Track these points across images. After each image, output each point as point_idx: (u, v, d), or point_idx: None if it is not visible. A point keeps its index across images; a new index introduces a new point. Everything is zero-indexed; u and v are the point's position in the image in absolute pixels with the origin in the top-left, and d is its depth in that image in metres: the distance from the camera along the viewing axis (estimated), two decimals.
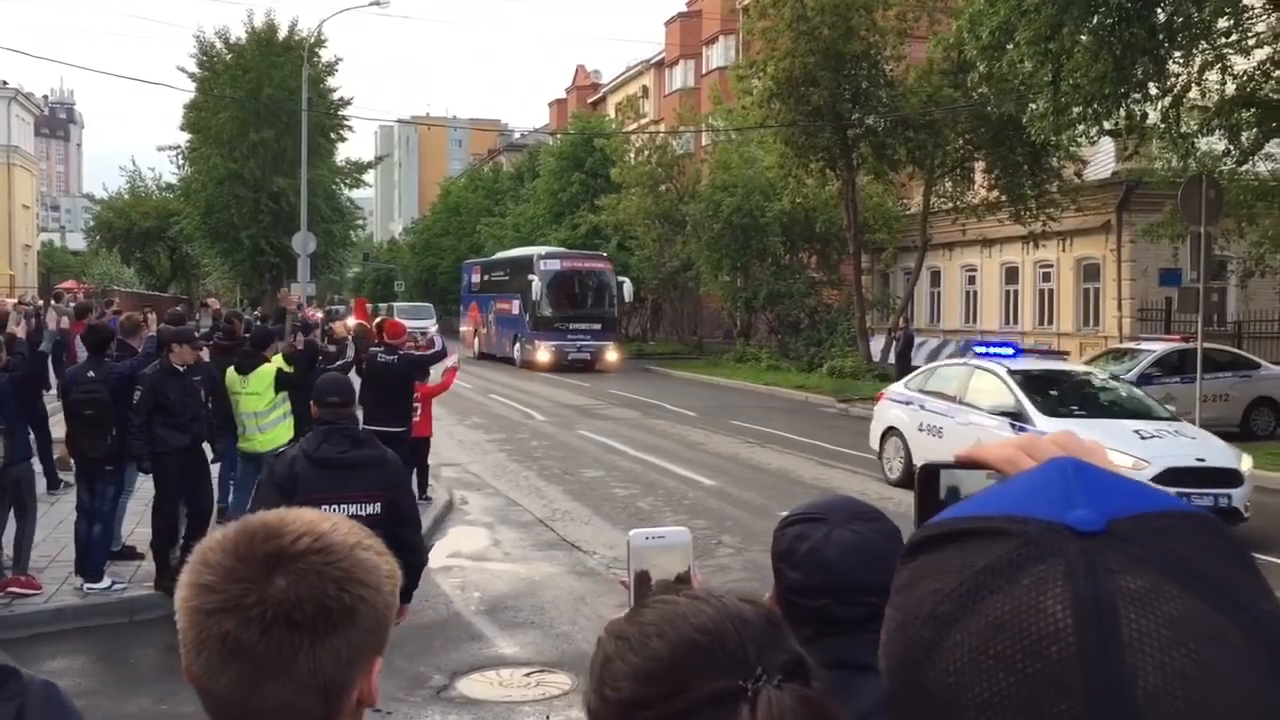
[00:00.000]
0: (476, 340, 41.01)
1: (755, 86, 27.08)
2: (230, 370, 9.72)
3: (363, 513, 5.01)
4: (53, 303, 22.62)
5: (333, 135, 47.06)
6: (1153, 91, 17.32)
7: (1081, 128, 18.15)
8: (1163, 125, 17.74)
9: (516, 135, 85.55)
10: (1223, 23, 16.45)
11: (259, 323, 19.99)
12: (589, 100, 67.03)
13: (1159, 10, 16.16)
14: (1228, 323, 25.32)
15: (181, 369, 8.72)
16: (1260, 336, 24.86)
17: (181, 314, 14.28)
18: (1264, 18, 16.74)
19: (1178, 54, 16.87)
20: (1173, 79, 17.23)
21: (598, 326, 34.04)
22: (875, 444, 14.99)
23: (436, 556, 10.58)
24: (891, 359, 25.68)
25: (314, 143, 39.41)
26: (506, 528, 11.79)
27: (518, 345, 35.44)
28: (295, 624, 1.12)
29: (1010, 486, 0.76)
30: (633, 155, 40.70)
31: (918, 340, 28.57)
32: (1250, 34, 16.92)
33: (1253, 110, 16.54)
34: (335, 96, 46.30)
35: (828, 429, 19.87)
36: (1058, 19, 15.49)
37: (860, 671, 1.59)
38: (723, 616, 1.09)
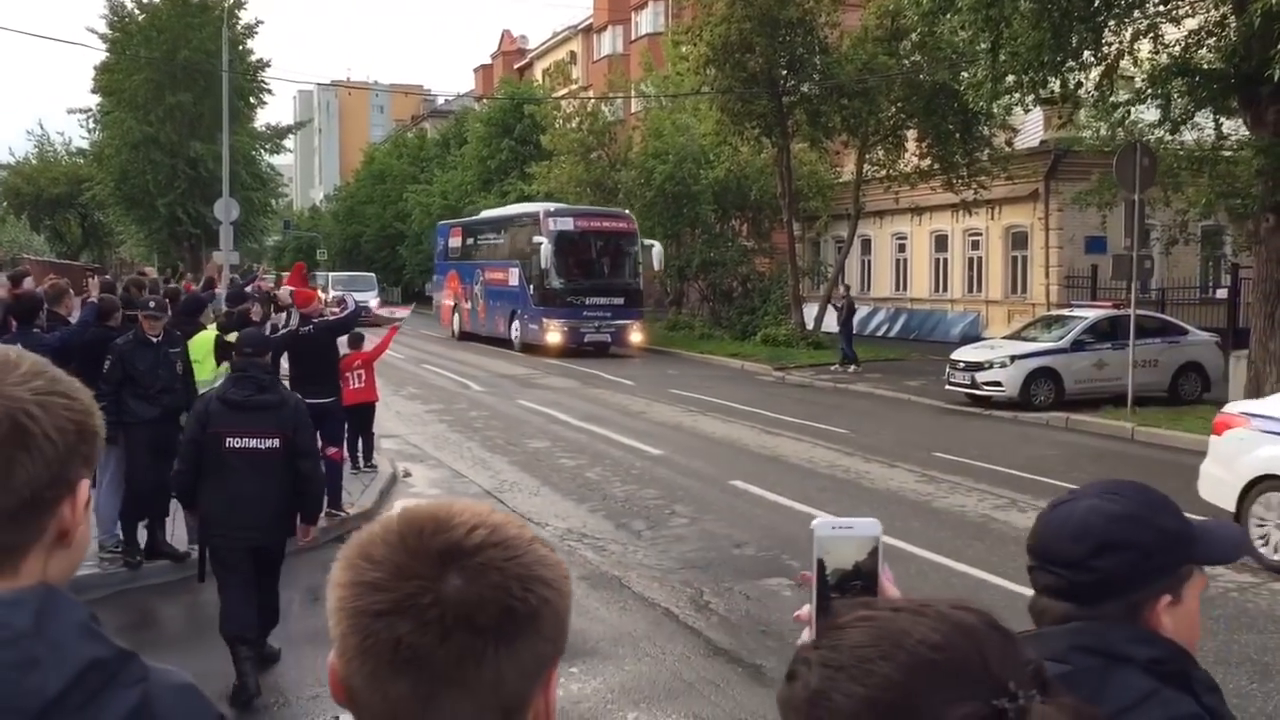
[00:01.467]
0: (457, 318, 34.93)
1: (691, 52, 26.86)
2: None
3: (262, 446, 6.18)
4: None
5: (252, 99, 45.80)
6: (1088, 60, 17.45)
7: (1018, 96, 18.27)
8: (1095, 94, 17.90)
9: (441, 101, 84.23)
10: None
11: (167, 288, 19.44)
12: (516, 66, 66.19)
13: None
14: (1151, 289, 25.88)
15: (156, 339, 8.50)
16: (1182, 303, 25.44)
17: (241, 287, 13.30)
18: None
19: (1113, 23, 17.01)
20: (1107, 48, 17.37)
21: (619, 300, 28.29)
22: (1229, 500, 9.45)
23: None
24: (834, 327, 25.66)
25: (233, 107, 38.24)
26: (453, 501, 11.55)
27: (516, 324, 29.67)
28: (478, 628, 0.98)
29: None
30: (562, 122, 40.26)
31: None
32: (1184, 3, 17.11)
33: (1184, 79, 16.75)
34: (254, 59, 45.06)
35: (767, 397, 19.88)
36: None
37: (1117, 663, 1.50)
38: (951, 629, 0.97)
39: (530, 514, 10.72)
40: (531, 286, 28.70)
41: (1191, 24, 17.48)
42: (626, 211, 30.49)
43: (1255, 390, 16.21)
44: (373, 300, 36.54)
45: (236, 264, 35.98)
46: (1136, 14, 16.93)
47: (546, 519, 10.52)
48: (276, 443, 6.19)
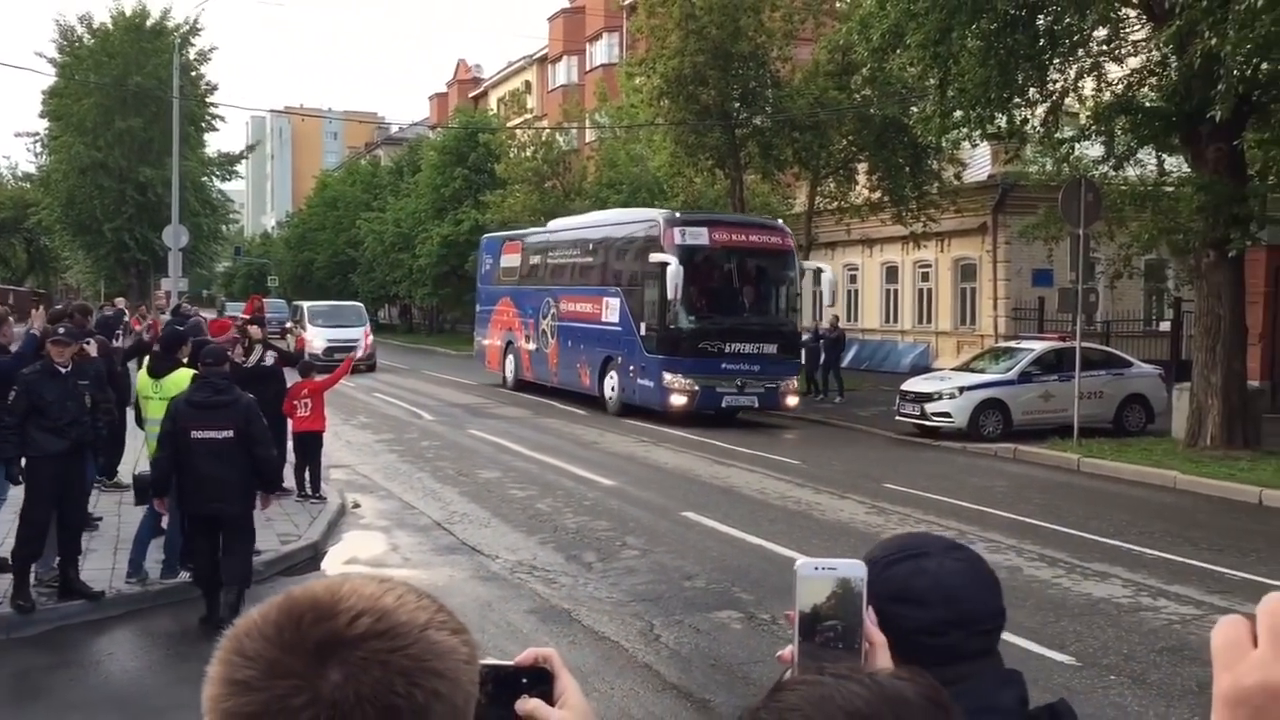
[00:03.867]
0: (511, 361, 26.95)
1: (645, 84, 27.05)
2: (142, 374, 9.15)
3: (219, 435, 7.73)
4: None
5: (203, 125, 45.48)
6: (1033, 97, 17.79)
7: (965, 131, 18.57)
8: (1041, 130, 18.24)
9: (395, 129, 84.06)
10: (1101, 31, 17.00)
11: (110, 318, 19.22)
12: (470, 95, 66.26)
13: (1042, 17, 16.61)
14: (1096, 322, 26.31)
15: (64, 369, 8.19)
16: (1126, 335, 25.87)
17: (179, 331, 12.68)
18: (1138, 28, 17.35)
19: (1057, 60, 17.36)
20: (1052, 85, 17.73)
21: (772, 347, 20.61)
22: None
23: (333, 564, 10.25)
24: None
25: (184, 133, 37.96)
26: (403, 531, 11.45)
27: (614, 376, 21.96)
28: None
29: None
30: (516, 151, 40.31)
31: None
32: (1126, 42, 17.51)
33: (1127, 117, 17.13)
34: (206, 84, 44.76)
35: (720, 429, 19.91)
36: (947, 23, 15.78)
37: (995, 715, 1.48)
38: (878, 699, 0.96)
39: (480, 546, 10.65)
40: (643, 325, 20.88)
41: (1134, 63, 17.89)
42: (779, 221, 23.01)
43: (1197, 423, 16.52)
44: (362, 340, 31.87)
45: (185, 290, 35.60)
46: (1081, 53, 17.30)
47: (497, 551, 10.45)
48: (231, 433, 7.74)
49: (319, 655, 0.90)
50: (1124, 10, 16.89)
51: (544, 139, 39.19)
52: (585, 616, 8.31)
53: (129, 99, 40.60)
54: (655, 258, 20.23)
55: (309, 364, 13.62)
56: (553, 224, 27.70)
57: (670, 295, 19.73)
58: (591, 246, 23.86)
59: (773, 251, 21.20)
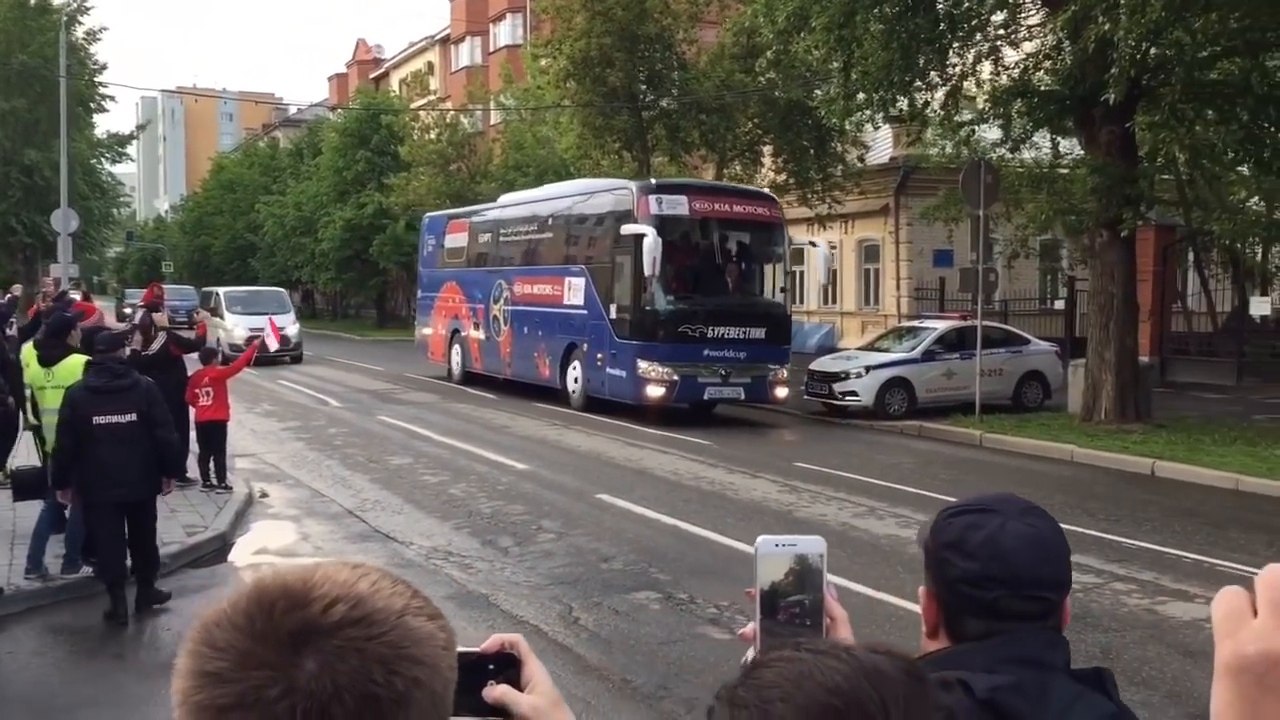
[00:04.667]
0: (458, 352, 24.53)
1: (551, 66, 26.89)
2: (32, 364, 8.80)
3: (123, 420, 7.67)
4: None
5: (92, 105, 43.91)
6: (934, 80, 18.12)
7: (869, 113, 18.84)
8: (941, 113, 18.60)
9: (293, 110, 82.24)
10: (998, 16, 17.38)
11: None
12: (371, 75, 65.11)
13: (941, 2, 16.91)
14: (995, 301, 26.99)
15: None
16: (1023, 314, 26.60)
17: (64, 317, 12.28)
18: (1034, 13, 17.78)
19: (956, 44, 17.71)
20: (951, 69, 18.09)
21: (759, 331, 18.44)
22: None
23: (242, 554, 10.05)
24: None
25: (72, 114, 36.61)
26: (314, 520, 11.27)
27: (577, 367, 19.84)
28: None
29: None
30: (420, 133, 39.78)
31: None
32: (1022, 27, 17.93)
33: (1023, 100, 17.56)
34: (94, 64, 43.21)
35: (630, 410, 19.95)
36: (851, 7, 15.97)
37: (1048, 670, 1.52)
38: (856, 673, 0.96)
39: (394, 532, 10.54)
40: (613, 308, 18.65)
41: (1030, 48, 18.33)
42: (767, 190, 21.61)
43: (1092, 397, 17.07)
44: (290, 326, 30.35)
45: (75, 276, 34.42)
46: (979, 37, 17.66)
47: (411, 538, 10.35)
48: (134, 416, 7.74)
49: (293, 644, 0.87)
50: None
51: (448, 121, 38.75)
52: (503, 601, 8.29)
53: (13, 79, 38.99)
54: (628, 230, 17.91)
55: (210, 351, 13.29)
56: (504, 198, 25.61)
57: (647, 271, 17.21)
58: (550, 221, 21.50)
59: (760, 223, 19.15)
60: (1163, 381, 21.32)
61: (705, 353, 18.04)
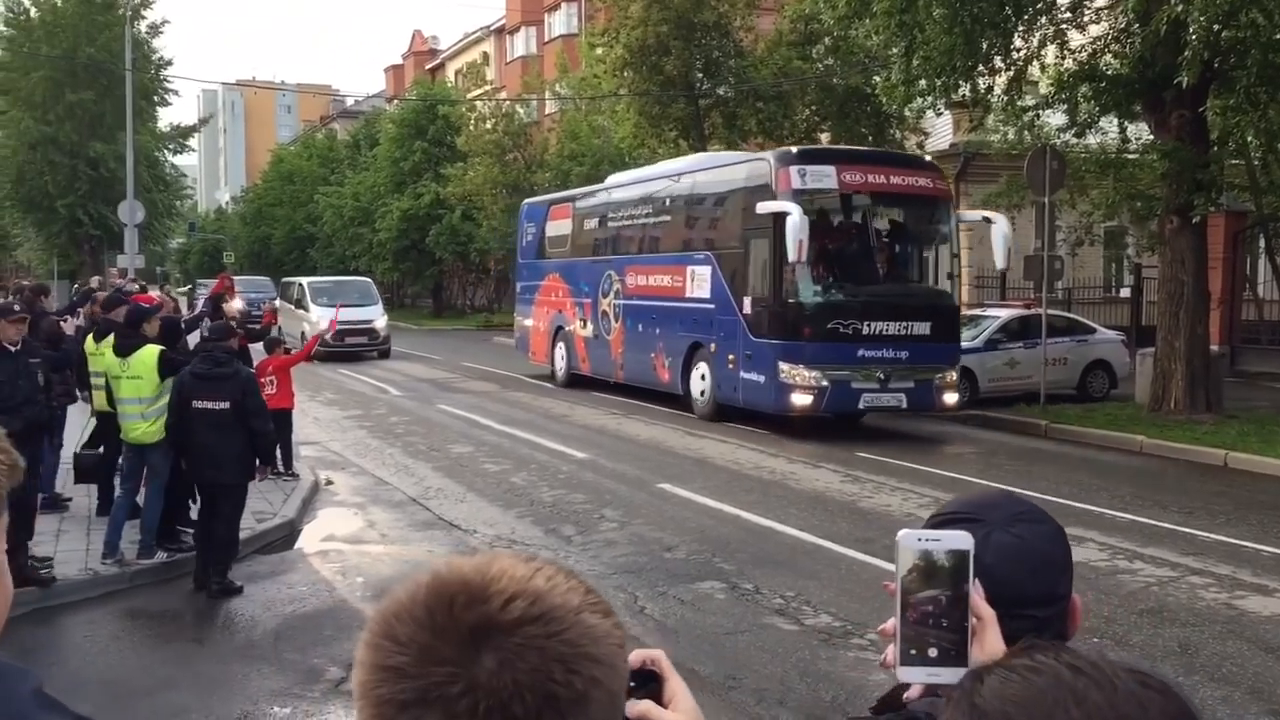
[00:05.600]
0: (562, 350, 22.31)
1: (607, 55, 26.87)
2: (108, 354, 8.95)
3: (216, 407, 8.09)
4: None
5: (155, 99, 44.62)
6: (997, 65, 17.84)
7: (930, 99, 18.59)
8: (1005, 99, 18.31)
9: (350, 102, 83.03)
10: None
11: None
12: (427, 67, 65.55)
13: None
14: (1057, 289, 26.56)
15: (14, 348, 8.05)
16: (1087, 302, 26.16)
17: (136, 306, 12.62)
18: None
19: (1021, 28, 17.41)
20: (1016, 53, 17.79)
21: (924, 327, 15.79)
22: None
23: (310, 541, 10.17)
24: None
25: (136, 106, 37.20)
26: (379, 508, 11.38)
27: (704, 369, 17.42)
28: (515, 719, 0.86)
29: None
30: (476, 123, 39.97)
31: None
32: (1089, 10, 17.59)
33: (1090, 85, 17.23)
34: (158, 58, 43.93)
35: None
36: None
37: None
38: (1116, 707, 0.81)
39: (458, 520, 10.61)
40: (747, 300, 16.18)
41: (1097, 31, 17.97)
42: (929, 158, 19.03)
43: (1162, 387, 16.74)
44: (379, 320, 29.07)
45: (141, 267, 35.03)
46: (1044, 20, 17.34)
47: (475, 525, 10.41)
48: (227, 405, 8.11)
49: (473, 641, 0.87)
50: None
51: (504, 111, 38.87)
52: None
53: (80, 72, 39.75)
54: (765, 209, 15.39)
55: (275, 340, 13.46)
56: (612, 179, 23.06)
57: (791, 256, 14.57)
58: (668, 203, 18.89)
59: (924, 197, 16.27)
60: (1232, 371, 20.86)
61: (860, 353, 15.34)
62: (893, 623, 1.34)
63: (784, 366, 15.36)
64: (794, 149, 17.45)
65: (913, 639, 1.33)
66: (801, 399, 15.36)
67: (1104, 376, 19.55)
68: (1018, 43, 17.50)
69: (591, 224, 21.75)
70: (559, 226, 23.03)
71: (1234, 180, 21.69)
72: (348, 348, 27.57)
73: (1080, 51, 17.55)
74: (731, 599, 8.07)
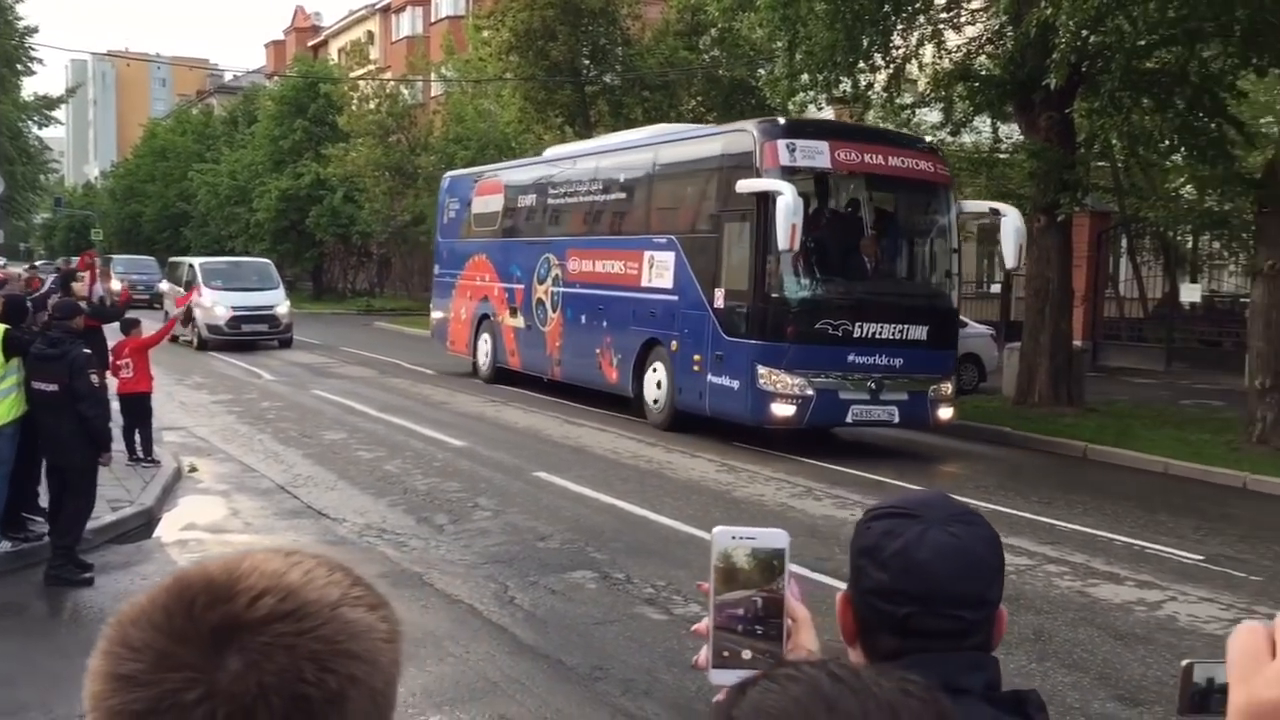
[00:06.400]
0: (487, 343, 20.22)
1: (493, 38, 26.57)
2: None
3: (47, 389, 7.93)
4: None
5: (19, 68, 42.67)
6: (877, 62, 18.16)
7: (812, 94, 18.82)
8: (884, 95, 18.64)
9: (229, 77, 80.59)
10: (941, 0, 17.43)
11: None
12: (310, 44, 63.94)
13: None
14: None
15: None
16: (961, 297, 26.81)
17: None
18: None
19: (900, 26, 17.74)
20: (895, 51, 18.13)
21: (920, 330, 14.05)
22: None
23: (169, 530, 9.82)
24: None
25: None
26: (244, 496, 11.04)
27: (662, 370, 15.39)
28: None
29: None
30: (359, 103, 39.19)
31: None
32: (965, 11, 18.01)
33: (965, 84, 17.66)
34: (23, 25, 42.00)
35: (570, 387, 19.85)
36: None
37: (960, 696, 1.40)
38: (868, 713, 0.81)
39: (326, 509, 10.35)
40: (719, 293, 14.18)
41: (972, 32, 18.43)
42: (928, 140, 16.32)
43: (1027, 380, 17.28)
44: (281, 305, 26.34)
45: (1, 242, 33.47)
46: (922, 20, 17.70)
47: (344, 514, 10.17)
48: (56, 388, 7.94)
49: (215, 643, 0.80)
50: None
51: (388, 92, 38.17)
52: (438, 580, 8.17)
53: None
54: (747, 188, 13.43)
55: (131, 321, 12.90)
56: (552, 151, 20.82)
57: (783, 244, 12.52)
58: (624, 179, 16.71)
59: (924, 183, 14.43)
60: (1094, 365, 21.66)
61: (850, 357, 13.50)
62: (705, 623, 1.29)
63: (763, 371, 13.41)
64: (780, 120, 15.69)
65: (726, 640, 1.29)
66: (782, 409, 13.40)
67: (973, 369, 20.06)
68: (897, 41, 17.82)
69: (527, 200, 19.35)
70: (487, 202, 20.66)
71: (1099, 182, 22.51)
72: (245, 336, 25.43)
73: (956, 51, 17.97)
74: (602, 589, 8.04)
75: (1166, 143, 16.69)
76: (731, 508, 10.69)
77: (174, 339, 24.78)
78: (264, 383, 19.96)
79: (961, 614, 1.42)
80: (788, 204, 12.47)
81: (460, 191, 21.99)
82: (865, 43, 17.15)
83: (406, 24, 52.42)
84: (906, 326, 13.82)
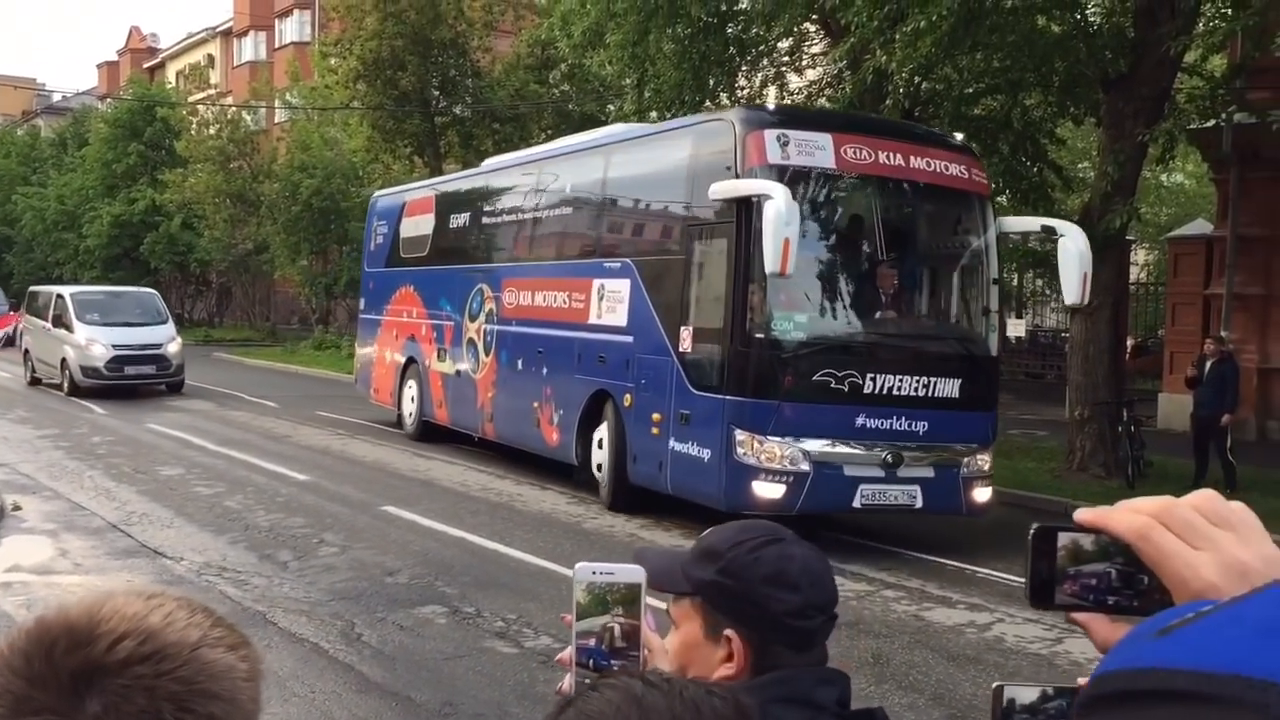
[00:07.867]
0: (414, 390, 17.09)
1: (341, 66, 26.23)
2: None
3: None
4: None
5: None
6: (723, 102, 18.67)
7: None
8: None
9: (57, 97, 77.05)
10: (784, 43, 18.05)
11: None
12: (146, 65, 61.78)
13: (731, 26, 17.44)
14: None
15: None
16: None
17: None
18: (818, 42, 18.56)
19: (745, 68, 18.29)
20: (740, 91, 18.66)
21: (951, 386, 10.51)
22: None
23: None
24: None
25: None
26: (73, 535, 10.55)
27: (611, 431, 12.01)
28: None
29: (1226, 625, 0.56)
30: (199, 127, 38.06)
31: None
32: (807, 55, 18.70)
33: None
34: None
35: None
36: (645, 26, 16.25)
37: (818, 712, 1.50)
38: (674, 711, 0.89)
39: (162, 547, 9.99)
40: (685, 332, 10.79)
41: (813, 75, 19.14)
42: (959, 138, 12.82)
43: None
44: (171, 344, 22.55)
45: None
46: (766, 63, 18.31)
47: (181, 553, 9.83)
48: None
49: (74, 687, 0.82)
50: (806, 25, 18.01)
51: (229, 117, 37.19)
52: (281, 618, 7.98)
53: None
54: (725, 192, 10.08)
55: None
56: (490, 162, 17.76)
57: (772, 265, 9.23)
58: (570, 191, 13.52)
59: (955, 192, 10.95)
60: None
61: (859, 420, 10.18)
62: (569, 653, 1.37)
63: (742, 436, 10.04)
64: (769, 106, 13.01)
65: (587, 669, 1.37)
66: (767, 490, 9.99)
67: None
68: (742, 81, 18.38)
69: (460, 219, 16.22)
70: (417, 224, 17.42)
71: None
72: (128, 380, 21.74)
73: (798, 93, 18.63)
74: (452, 623, 7.98)
75: (992, 186, 17.64)
76: (583, 540, 10.75)
77: (36, 381, 23.48)
78: (95, 417, 19.12)
79: (834, 614, 1.58)
80: (778, 212, 9.15)
81: (388, 214, 18.80)
82: (711, 82, 17.64)
83: (249, 49, 51.24)
84: (933, 380, 10.45)
